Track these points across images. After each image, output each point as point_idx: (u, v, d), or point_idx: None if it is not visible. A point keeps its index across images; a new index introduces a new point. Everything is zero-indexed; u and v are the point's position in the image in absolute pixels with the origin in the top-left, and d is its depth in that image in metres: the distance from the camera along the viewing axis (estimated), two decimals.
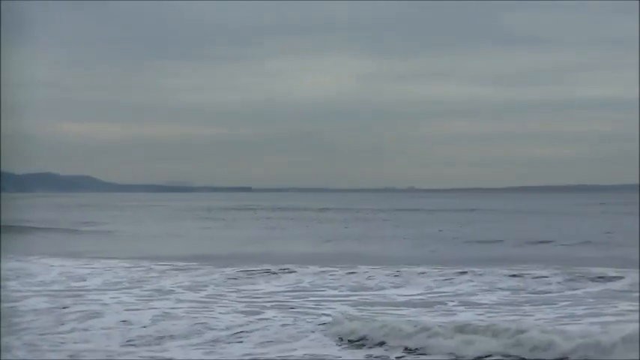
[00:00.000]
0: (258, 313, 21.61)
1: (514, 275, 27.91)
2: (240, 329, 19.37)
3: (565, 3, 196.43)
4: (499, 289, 25.93)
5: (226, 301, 24.06)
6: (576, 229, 58.00)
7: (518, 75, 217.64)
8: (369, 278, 28.50)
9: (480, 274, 28.28)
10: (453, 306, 22.74)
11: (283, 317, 20.74)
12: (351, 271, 29.91)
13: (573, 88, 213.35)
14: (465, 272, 28.66)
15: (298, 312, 21.75)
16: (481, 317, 20.25)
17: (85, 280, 29.27)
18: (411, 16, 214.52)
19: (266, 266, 31.73)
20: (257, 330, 19.19)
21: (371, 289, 26.68)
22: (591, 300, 23.46)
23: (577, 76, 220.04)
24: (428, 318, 20.00)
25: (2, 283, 26.56)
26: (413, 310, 22.03)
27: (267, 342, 18.05)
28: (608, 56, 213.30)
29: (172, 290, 26.48)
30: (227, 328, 19.48)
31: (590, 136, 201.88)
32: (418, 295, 25.14)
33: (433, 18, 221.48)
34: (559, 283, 26.60)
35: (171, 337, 18.64)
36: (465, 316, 20.68)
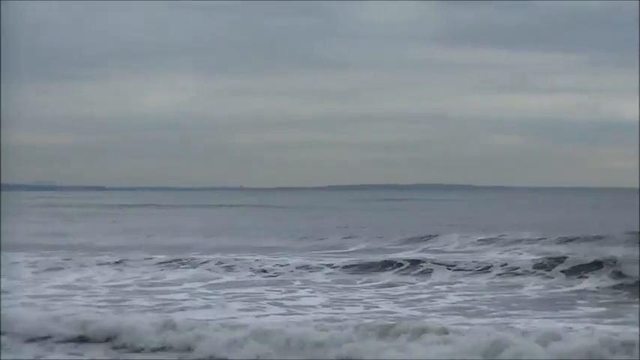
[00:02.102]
0: None
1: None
2: None
3: (368, 31, 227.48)
4: None
5: None
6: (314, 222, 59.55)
7: (326, 92, 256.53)
8: None
9: None
10: None
11: None
12: None
13: (370, 104, 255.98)
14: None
15: None
16: None
17: None
18: (239, 42, 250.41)
19: None
20: None
21: None
22: None
23: (374, 94, 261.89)
24: None
25: None
26: None
27: None
28: (402, 76, 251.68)
29: None
30: None
31: (385, 143, 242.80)
32: None
33: (254, 44, 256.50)
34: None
35: None
36: None
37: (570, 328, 17.21)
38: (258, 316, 19.60)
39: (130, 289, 24.90)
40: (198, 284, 25.80)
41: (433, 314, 20.15)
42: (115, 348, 16.70)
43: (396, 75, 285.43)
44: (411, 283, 26.00)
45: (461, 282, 26.18)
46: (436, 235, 40.43)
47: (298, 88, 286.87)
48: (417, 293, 23.98)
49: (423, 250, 36.04)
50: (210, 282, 26.41)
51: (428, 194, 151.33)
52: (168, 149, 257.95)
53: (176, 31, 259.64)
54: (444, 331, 15.92)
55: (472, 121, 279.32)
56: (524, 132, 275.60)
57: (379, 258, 30.50)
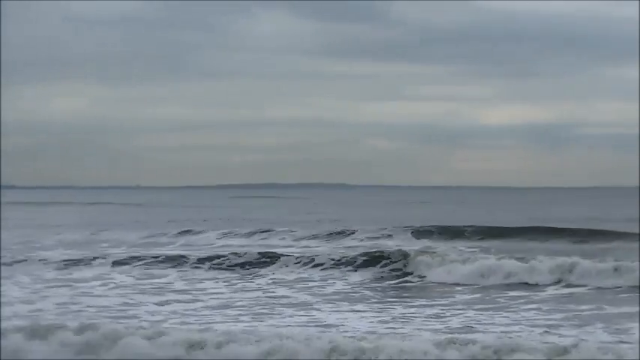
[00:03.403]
0: None
1: None
2: None
3: (258, 44, 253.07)
4: None
5: None
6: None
7: (218, 100, 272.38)
8: None
9: None
10: None
11: None
12: None
13: (258, 111, 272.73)
14: None
15: None
16: None
17: None
18: (139, 53, 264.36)
19: None
20: None
21: None
22: None
23: (262, 101, 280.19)
24: None
25: None
26: None
27: None
28: (288, 85, 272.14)
29: None
30: None
31: (271, 146, 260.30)
32: None
33: (153, 56, 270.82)
34: None
35: None
36: None
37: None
38: None
39: None
40: None
41: None
42: None
43: (283, 84, 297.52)
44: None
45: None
46: (200, 232, 42.73)
47: (192, 96, 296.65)
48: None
49: (183, 245, 38.11)
50: None
51: (303, 192, 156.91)
52: (72, 151, 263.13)
53: (81, 44, 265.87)
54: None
55: (350, 126, 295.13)
56: (396, 136, 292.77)
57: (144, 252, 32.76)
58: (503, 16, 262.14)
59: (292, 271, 28.65)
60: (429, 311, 20.73)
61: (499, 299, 22.70)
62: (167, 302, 22.29)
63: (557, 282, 25.43)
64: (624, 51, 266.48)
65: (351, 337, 15.80)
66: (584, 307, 21.11)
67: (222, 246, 36.40)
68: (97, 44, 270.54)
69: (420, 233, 39.96)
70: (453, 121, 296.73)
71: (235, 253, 30.84)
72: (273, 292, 24.55)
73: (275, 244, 37.68)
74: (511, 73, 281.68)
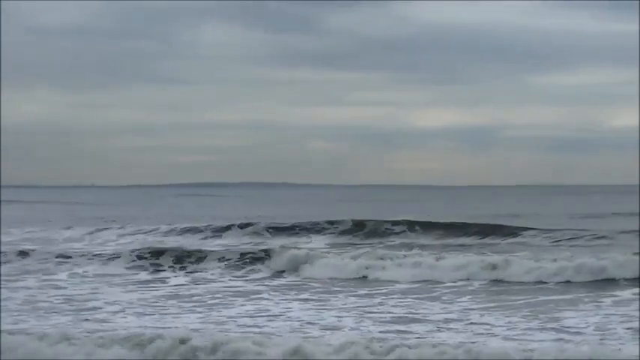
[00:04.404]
0: None
1: None
2: None
3: (207, 53, 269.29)
4: None
5: None
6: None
7: (168, 104, 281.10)
8: None
9: None
10: None
11: None
12: None
13: (207, 114, 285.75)
14: None
15: None
16: None
17: None
18: (92, 62, 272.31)
19: None
20: None
21: None
22: None
23: (211, 106, 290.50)
24: None
25: None
26: None
27: None
28: (236, 91, 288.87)
29: None
30: None
31: (219, 148, 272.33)
32: None
33: (106, 64, 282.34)
34: None
35: None
36: None
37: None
38: None
39: None
40: None
41: None
42: None
43: (231, 90, 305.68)
44: None
45: None
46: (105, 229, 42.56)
47: (146, 101, 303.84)
48: None
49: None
50: None
51: (248, 190, 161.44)
52: (33, 152, 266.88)
53: (43, 53, 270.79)
54: None
55: (293, 129, 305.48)
56: (336, 139, 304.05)
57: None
58: (431, 27, 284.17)
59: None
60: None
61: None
62: None
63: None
64: (543, 60, 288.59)
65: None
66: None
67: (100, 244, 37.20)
68: (57, 53, 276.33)
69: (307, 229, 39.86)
70: (388, 124, 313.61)
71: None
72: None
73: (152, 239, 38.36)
74: (440, 80, 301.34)
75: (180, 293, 23.91)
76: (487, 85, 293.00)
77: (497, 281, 25.78)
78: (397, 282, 25.64)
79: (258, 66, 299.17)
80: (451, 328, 17.95)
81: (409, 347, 14.65)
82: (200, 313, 20.25)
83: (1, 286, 24.65)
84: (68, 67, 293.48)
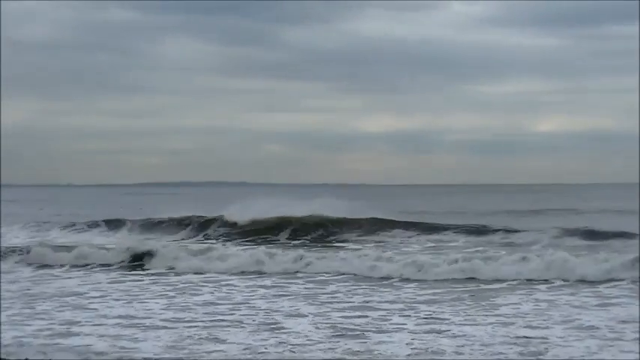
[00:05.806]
0: None
1: None
2: None
3: (166, 63, 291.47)
4: None
5: None
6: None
7: (131, 111, 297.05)
8: None
9: None
10: None
11: None
12: None
13: (168, 120, 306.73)
14: None
15: None
16: None
17: None
18: (63, 72, 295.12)
19: None
20: None
21: None
22: None
23: (172, 112, 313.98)
24: None
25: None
26: None
27: None
28: (194, 99, 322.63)
29: None
30: None
31: (181, 150, 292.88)
32: None
33: (73, 74, 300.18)
34: None
35: None
36: None
37: None
38: None
39: None
40: None
41: None
42: None
43: (192, 98, 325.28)
44: None
45: None
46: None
47: (113, 109, 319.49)
48: None
49: None
50: None
51: (209, 189, 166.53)
52: (14, 154, 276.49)
53: (20, 64, 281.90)
54: None
55: (250, 133, 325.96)
56: (288, 142, 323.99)
57: None
58: (372, 42, 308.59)
59: None
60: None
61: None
62: None
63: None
64: (474, 71, 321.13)
65: None
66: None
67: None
68: (32, 64, 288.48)
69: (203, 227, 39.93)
70: (335, 129, 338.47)
71: None
72: None
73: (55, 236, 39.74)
74: (381, 89, 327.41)
75: None
76: (422, 94, 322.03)
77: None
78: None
79: (216, 76, 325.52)
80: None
81: None
82: None
83: None
84: (40, 78, 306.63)
